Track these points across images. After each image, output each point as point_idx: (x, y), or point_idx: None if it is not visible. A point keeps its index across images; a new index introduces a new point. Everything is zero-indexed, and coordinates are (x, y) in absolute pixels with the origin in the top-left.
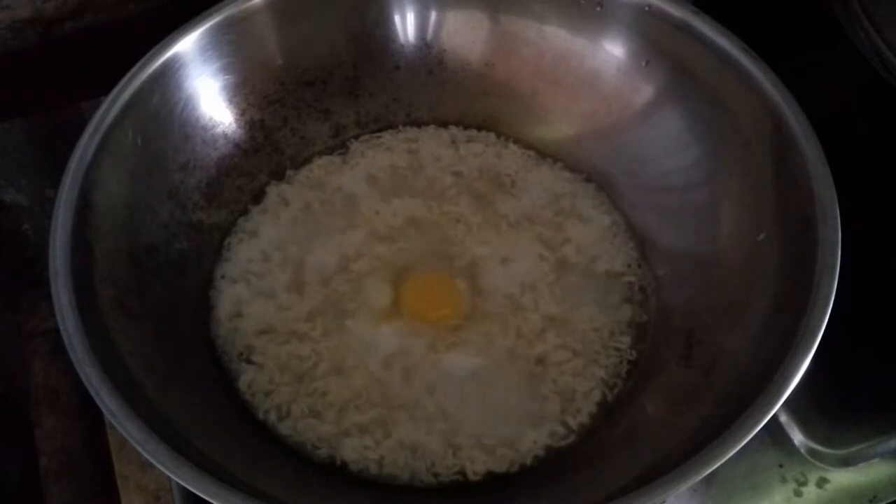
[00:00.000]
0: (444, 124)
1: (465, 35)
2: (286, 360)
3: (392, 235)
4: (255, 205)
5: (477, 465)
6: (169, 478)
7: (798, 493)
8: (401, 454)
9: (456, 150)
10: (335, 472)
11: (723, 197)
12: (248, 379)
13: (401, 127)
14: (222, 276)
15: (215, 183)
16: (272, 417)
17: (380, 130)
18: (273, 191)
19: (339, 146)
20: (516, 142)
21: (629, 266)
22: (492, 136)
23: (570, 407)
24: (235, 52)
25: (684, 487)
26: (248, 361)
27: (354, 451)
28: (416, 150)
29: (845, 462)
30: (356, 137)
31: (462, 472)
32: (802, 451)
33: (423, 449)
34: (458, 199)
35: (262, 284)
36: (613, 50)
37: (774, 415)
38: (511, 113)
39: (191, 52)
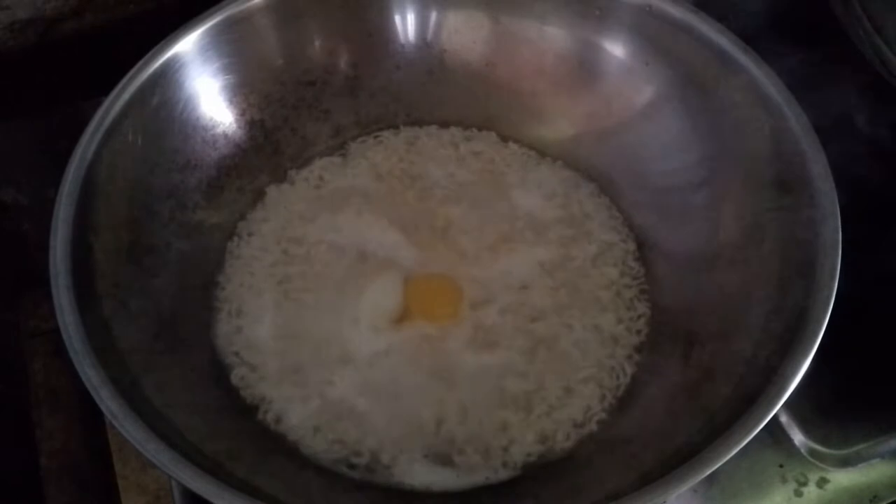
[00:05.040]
0: (444, 124)
1: (466, 35)
2: (287, 360)
3: (393, 236)
4: (256, 205)
5: (477, 467)
6: (169, 478)
7: (798, 494)
8: (401, 454)
9: (456, 149)
10: (335, 473)
11: (723, 197)
12: (248, 379)
13: (401, 127)
14: (223, 276)
15: (215, 183)
16: (272, 417)
17: (380, 131)
18: (274, 192)
19: (339, 146)
20: (516, 142)
21: (629, 266)
22: (492, 135)
23: (570, 407)
24: (235, 52)
25: (685, 488)
26: (249, 362)
27: (357, 453)
28: (416, 150)
29: (846, 462)
30: (355, 139)
31: (463, 474)
32: (803, 451)
33: (424, 449)
34: (459, 199)
35: (264, 285)
36: (614, 50)
37: (775, 415)
38: (511, 113)
39: (191, 52)
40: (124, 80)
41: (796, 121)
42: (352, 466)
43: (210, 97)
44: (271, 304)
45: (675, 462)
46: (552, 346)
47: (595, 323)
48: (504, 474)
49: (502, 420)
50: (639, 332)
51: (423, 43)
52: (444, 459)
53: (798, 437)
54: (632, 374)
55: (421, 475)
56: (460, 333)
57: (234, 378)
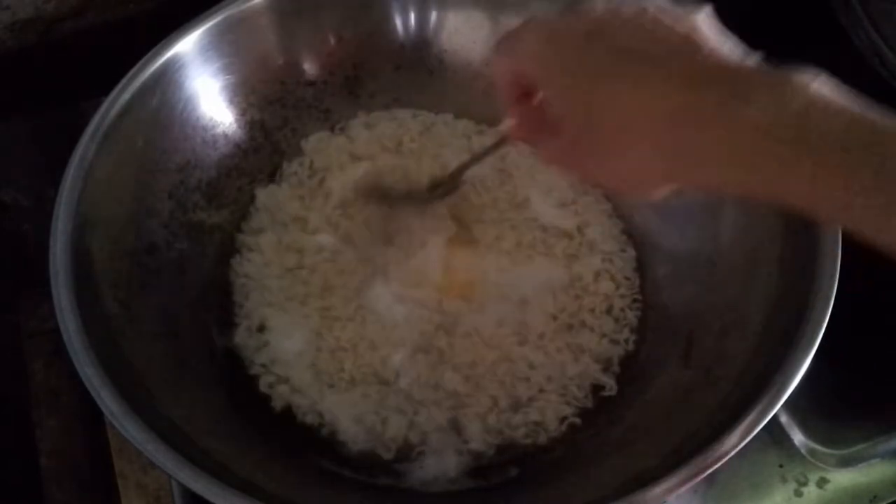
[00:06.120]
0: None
1: (466, 35)
2: (287, 359)
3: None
4: (256, 205)
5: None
6: (169, 478)
7: (798, 493)
8: (410, 449)
9: (469, 141)
10: (337, 473)
11: (724, 198)
12: (249, 379)
13: (414, 111)
14: (223, 276)
15: (216, 183)
16: (274, 416)
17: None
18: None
19: None
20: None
21: (630, 266)
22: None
23: (570, 406)
24: (235, 52)
25: (685, 487)
26: (248, 361)
27: (361, 453)
28: (431, 135)
29: (846, 462)
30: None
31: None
32: (803, 451)
33: (428, 445)
34: (463, 202)
35: (264, 284)
36: None
37: (775, 415)
38: None
39: (191, 52)
40: (124, 80)
41: None
42: (377, 460)
43: (210, 97)
44: (272, 304)
45: (675, 462)
46: (553, 345)
47: (595, 322)
48: (502, 467)
49: (502, 414)
50: (639, 332)
51: (423, 43)
52: (458, 455)
53: (798, 437)
54: (632, 374)
55: (425, 471)
56: (463, 326)
57: (233, 377)
